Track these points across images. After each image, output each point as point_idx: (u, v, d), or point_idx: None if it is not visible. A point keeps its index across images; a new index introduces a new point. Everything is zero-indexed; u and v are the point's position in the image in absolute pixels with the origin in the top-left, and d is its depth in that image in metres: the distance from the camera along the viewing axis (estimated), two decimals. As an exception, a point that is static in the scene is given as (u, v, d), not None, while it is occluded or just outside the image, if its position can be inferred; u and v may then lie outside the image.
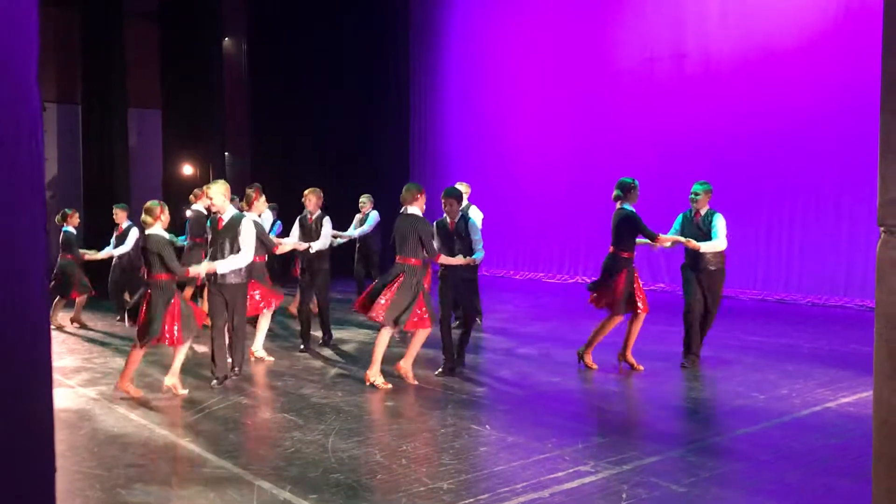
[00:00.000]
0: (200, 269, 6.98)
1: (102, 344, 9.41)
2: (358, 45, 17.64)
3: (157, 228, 6.65)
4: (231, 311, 7.07)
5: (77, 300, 10.57)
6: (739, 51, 13.20)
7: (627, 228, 7.40)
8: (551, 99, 15.99)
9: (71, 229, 10.60)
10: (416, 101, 18.74)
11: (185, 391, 6.84)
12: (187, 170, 17.25)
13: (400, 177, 18.34)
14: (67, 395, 6.80)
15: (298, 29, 17.48)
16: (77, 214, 10.78)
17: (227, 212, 6.99)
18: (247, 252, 6.91)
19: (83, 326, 10.50)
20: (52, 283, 10.51)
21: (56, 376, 7.45)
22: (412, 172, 18.67)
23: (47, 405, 1.44)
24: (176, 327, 6.57)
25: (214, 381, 7.04)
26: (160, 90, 17.51)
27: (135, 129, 17.85)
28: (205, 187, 8.06)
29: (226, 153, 18.22)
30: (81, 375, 7.62)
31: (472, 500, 4.32)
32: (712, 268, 7.65)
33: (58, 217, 10.66)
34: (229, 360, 7.21)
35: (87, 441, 5.49)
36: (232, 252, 6.89)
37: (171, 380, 6.80)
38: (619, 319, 7.56)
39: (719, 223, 7.59)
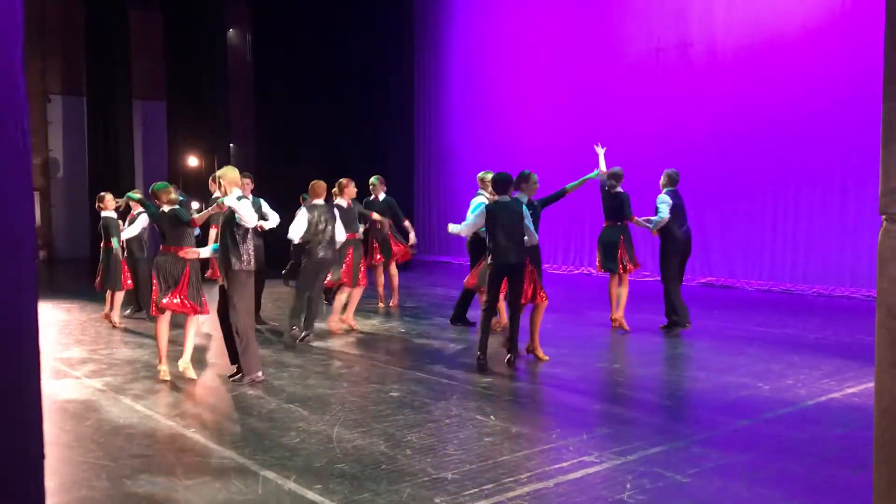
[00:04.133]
0: (197, 250, 7.09)
1: (109, 335, 9.43)
2: (361, 32, 17.61)
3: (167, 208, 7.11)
4: (232, 305, 6.74)
5: (115, 297, 9.87)
6: (745, 41, 13.14)
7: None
8: (557, 89, 15.94)
9: (110, 214, 9.88)
10: (420, 89, 18.71)
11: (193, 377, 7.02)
12: (192, 160, 17.27)
13: (405, 164, 18.35)
14: (73, 386, 6.83)
15: (302, 19, 17.45)
16: (109, 197, 9.88)
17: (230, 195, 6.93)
18: (249, 223, 6.80)
19: (114, 326, 9.82)
20: (99, 276, 9.96)
21: (62, 367, 7.51)
22: (416, 159, 18.68)
23: (35, 387, 1.43)
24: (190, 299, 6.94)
25: (237, 378, 6.89)
26: (165, 81, 17.52)
27: (140, 121, 17.88)
28: (217, 173, 8.00)
29: (230, 143, 18.23)
30: (87, 366, 7.65)
31: (476, 490, 4.33)
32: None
33: (97, 204, 9.99)
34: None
35: (92, 432, 5.51)
36: (232, 234, 6.78)
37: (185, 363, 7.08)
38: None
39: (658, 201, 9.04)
